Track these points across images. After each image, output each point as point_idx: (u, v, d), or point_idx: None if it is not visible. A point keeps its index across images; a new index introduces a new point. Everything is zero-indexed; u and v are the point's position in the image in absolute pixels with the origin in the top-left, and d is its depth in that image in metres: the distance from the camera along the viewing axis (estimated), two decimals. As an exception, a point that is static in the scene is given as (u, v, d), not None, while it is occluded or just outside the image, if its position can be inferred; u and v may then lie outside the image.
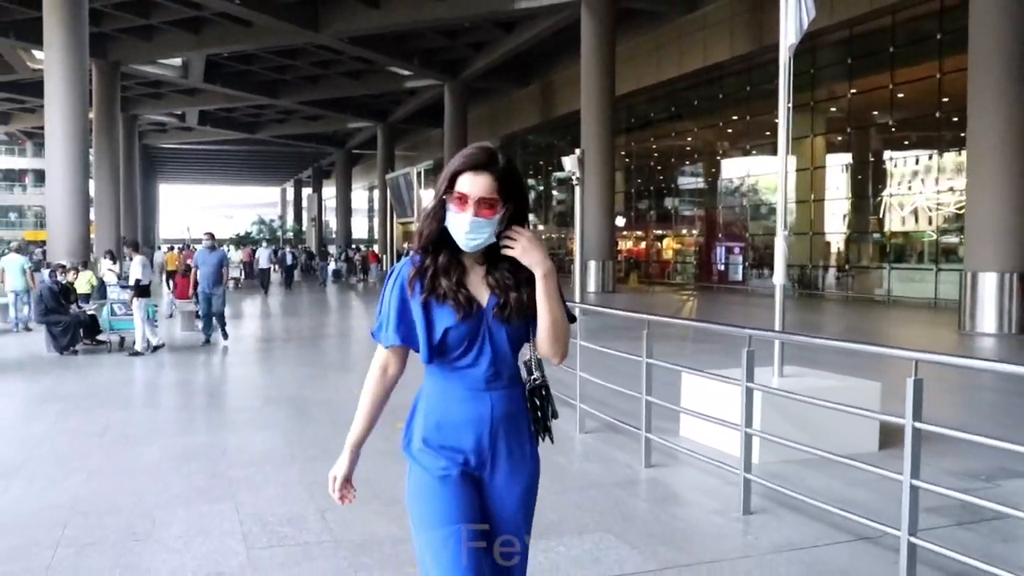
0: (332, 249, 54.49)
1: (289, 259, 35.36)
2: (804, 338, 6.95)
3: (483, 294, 2.37)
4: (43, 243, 51.15)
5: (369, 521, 5.00)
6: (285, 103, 49.66)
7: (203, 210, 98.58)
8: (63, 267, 14.09)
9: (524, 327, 2.38)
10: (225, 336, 14.14)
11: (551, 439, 2.48)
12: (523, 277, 2.34)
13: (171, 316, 18.59)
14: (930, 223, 24.15)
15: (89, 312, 13.53)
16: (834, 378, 7.11)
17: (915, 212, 24.74)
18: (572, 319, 2.47)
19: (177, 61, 41.71)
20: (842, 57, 26.40)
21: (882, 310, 22.68)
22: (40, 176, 78.60)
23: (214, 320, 14.05)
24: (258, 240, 59.36)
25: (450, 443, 2.36)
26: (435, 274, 2.33)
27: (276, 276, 34.63)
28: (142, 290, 12.78)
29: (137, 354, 12.41)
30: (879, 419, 6.32)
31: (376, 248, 49.92)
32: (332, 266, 40.92)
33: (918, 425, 3.92)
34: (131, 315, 12.97)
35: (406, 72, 42.40)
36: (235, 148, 71.67)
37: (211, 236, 14.51)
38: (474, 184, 2.28)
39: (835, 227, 28.36)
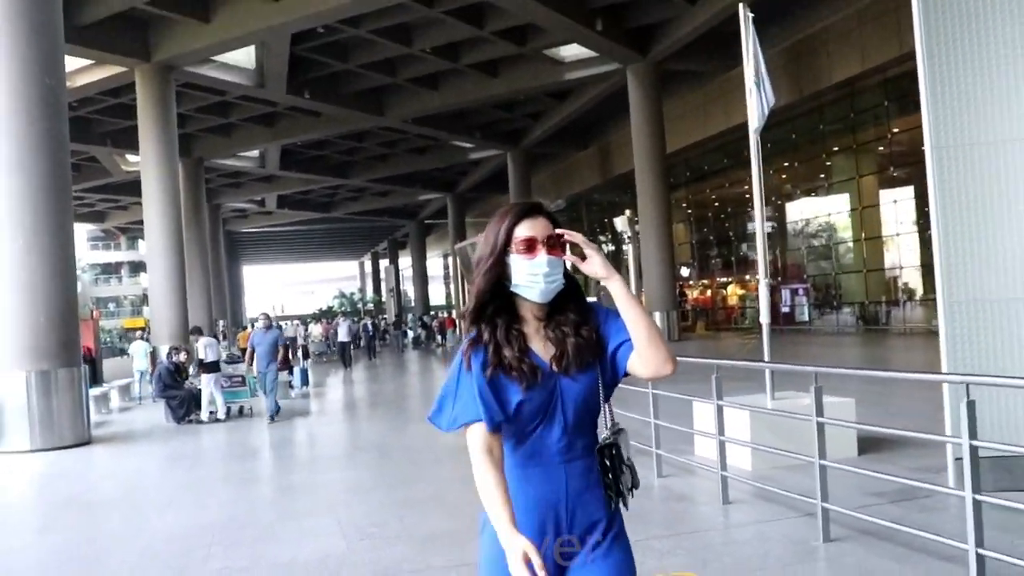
0: (408, 317, 56.66)
1: (370, 329, 36.73)
2: (786, 366, 8.34)
3: (547, 356, 2.25)
4: (142, 329, 54.62)
5: (434, 521, 6.59)
6: (356, 182, 52.41)
7: (286, 287, 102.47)
8: (177, 349, 16.07)
9: (593, 379, 2.23)
10: (276, 411, 14.05)
11: (625, 506, 2.29)
12: (579, 321, 2.25)
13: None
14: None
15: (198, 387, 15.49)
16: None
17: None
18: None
19: (254, 152, 44.75)
20: (879, 100, 27.66)
21: (926, 340, 23.52)
22: (134, 267, 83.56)
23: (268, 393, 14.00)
24: (337, 313, 61.90)
25: (524, 528, 2.13)
26: (497, 346, 2.22)
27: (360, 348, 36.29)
28: (208, 367, 14.67)
29: (217, 421, 14.31)
30: (855, 428, 7.63)
31: (453, 314, 51.96)
32: (411, 334, 42.99)
33: (974, 443, 4.47)
34: (234, 388, 14.95)
35: (469, 145, 44.70)
36: (312, 227, 75.03)
37: (267, 316, 14.96)
38: (535, 227, 2.22)
39: (888, 263, 29.28)
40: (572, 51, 31.25)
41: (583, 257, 2.19)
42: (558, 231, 2.22)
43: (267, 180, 51.71)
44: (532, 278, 2.19)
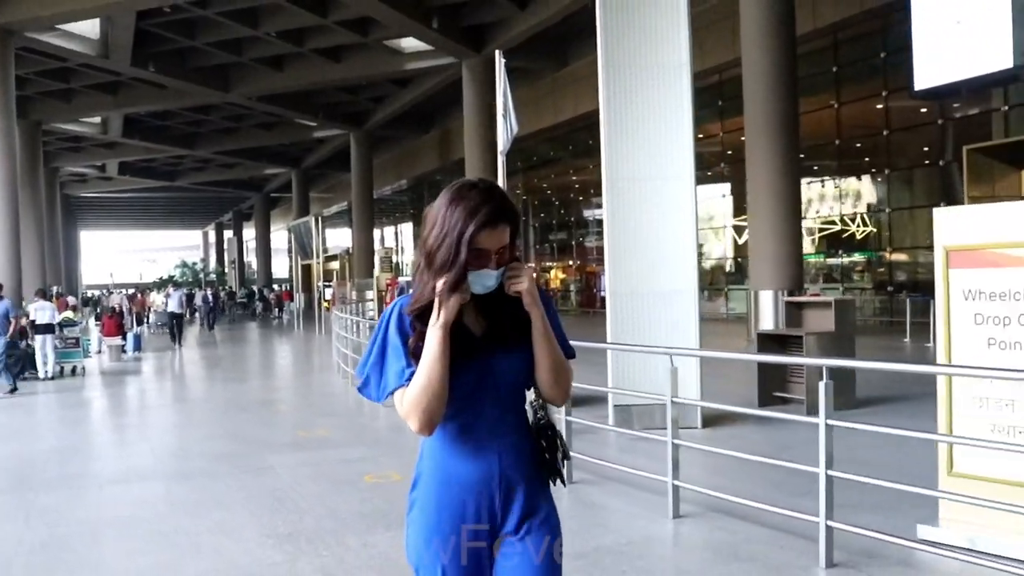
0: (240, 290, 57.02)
1: (210, 300, 36.21)
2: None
3: (479, 328, 2.20)
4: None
5: (221, 445, 8.55)
6: (202, 153, 52.56)
7: (126, 254, 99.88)
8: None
9: (526, 356, 2.20)
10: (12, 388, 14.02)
11: (563, 482, 2.31)
12: (515, 298, 2.16)
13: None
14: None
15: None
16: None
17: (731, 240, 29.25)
18: (571, 355, 2.31)
19: (96, 119, 44.50)
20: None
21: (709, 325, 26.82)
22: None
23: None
24: (180, 283, 61.68)
25: (457, 509, 2.17)
26: (426, 326, 2.10)
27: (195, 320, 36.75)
28: (41, 328, 15.93)
29: (49, 379, 15.61)
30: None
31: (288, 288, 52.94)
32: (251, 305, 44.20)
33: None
34: (67, 349, 16.32)
35: (313, 124, 45.85)
36: (155, 195, 73.88)
37: None
38: (492, 238, 2.09)
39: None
40: (411, 43, 32.99)
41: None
42: (508, 250, 2.12)
43: (109, 146, 51.15)
44: (476, 286, 2.10)
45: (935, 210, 5.10)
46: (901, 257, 24.33)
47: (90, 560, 5.37)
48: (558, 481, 2.31)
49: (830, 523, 4.60)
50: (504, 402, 2.21)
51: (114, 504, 6.79)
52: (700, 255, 30.47)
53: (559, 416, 6.36)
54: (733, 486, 5.89)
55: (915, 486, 4.75)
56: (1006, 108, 20.30)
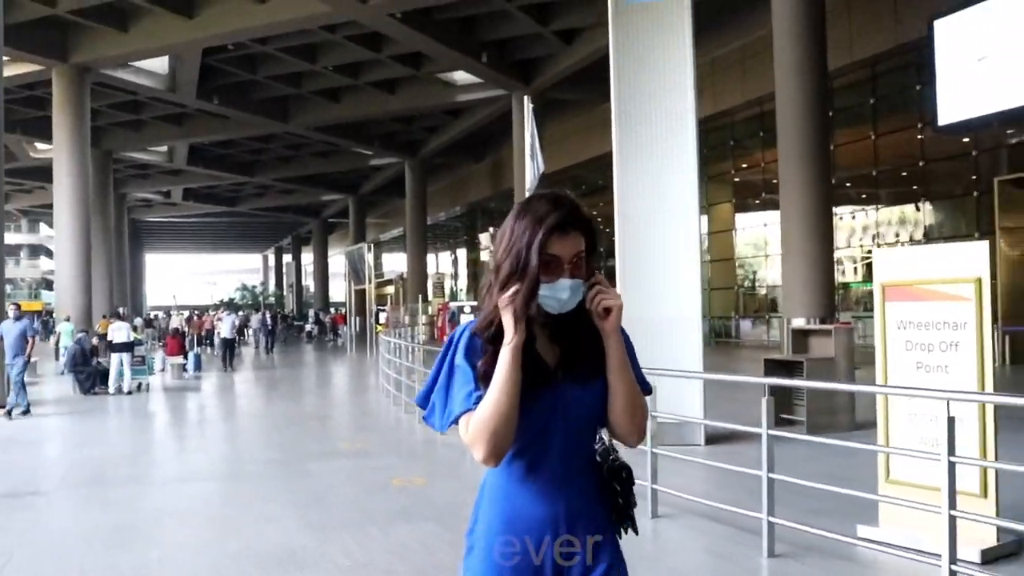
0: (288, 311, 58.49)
1: (268, 323, 36.01)
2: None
3: (552, 358, 2.02)
4: (40, 312, 55.43)
5: (273, 452, 9.55)
6: (262, 180, 54.49)
7: (189, 276, 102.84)
8: (87, 332, 18.53)
9: (601, 391, 2.01)
10: (11, 410, 13.67)
11: (635, 531, 2.12)
12: (592, 328, 2.00)
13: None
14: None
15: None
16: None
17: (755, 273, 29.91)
18: (648, 390, 2.13)
19: (163, 148, 46.58)
20: (726, 139, 31.54)
21: (733, 349, 27.40)
22: (33, 250, 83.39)
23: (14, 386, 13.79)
24: (240, 306, 63.44)
25: (518, 552, 2.00)
26: (498, 350, 1.94)
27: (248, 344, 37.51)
28: (119, 347, 17.05)
29: (123, 393, 16.73)
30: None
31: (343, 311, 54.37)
32: (307, 327, 45.56)
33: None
34: (135, 366, 17.58)
35: (369, 152, 47.38)
36: (217, 220, 76.40)
37: (17, 307, 14.89)
38: (564, 245, 1.96)
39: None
40: (463, 76, 34.31)
41: (607, 311, 1.97)
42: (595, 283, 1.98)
43: (174, 173, 53.35)
44: (549, 300, 1.95)
45: (874, 250, 5.88)
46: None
47: (153, 539, 6.39)
48: (629, 530, 2.13)
49: (771, 519, 5.39)
50: (576, 439, 2.04)
51: (174, 498, 7.79)
52: (750, 282, 31.31)
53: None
54: (717, 493, 6.67)
55: (858, 491, 5.50)
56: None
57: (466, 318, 33.80)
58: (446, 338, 2.11)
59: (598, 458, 2.09)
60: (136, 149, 44.54)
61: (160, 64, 32.63)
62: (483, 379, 1.96)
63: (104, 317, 28.90)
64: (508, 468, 2.02)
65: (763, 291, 31.55)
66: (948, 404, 4.52)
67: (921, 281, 5.53)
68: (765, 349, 27.03)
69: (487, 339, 1.98)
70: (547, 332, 2.03)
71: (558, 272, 1.95)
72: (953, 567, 4.40)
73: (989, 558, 5.06)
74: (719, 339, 32.02)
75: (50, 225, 40.42)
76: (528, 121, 11.20)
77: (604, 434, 2.11)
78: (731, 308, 32.61)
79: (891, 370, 5.70)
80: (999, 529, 5.19)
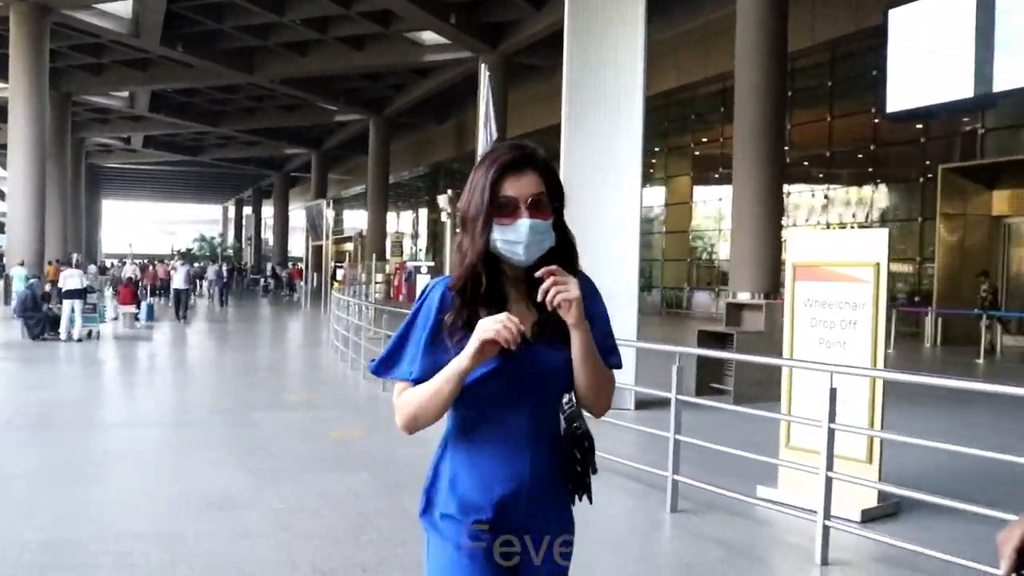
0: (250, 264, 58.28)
1: (224, 275, 35.17)
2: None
3: (528, 322, 1.95)
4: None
5: (210, 400, 9.84)
6: (225, 130, 54.02)
7: (146, 225, 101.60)
8: (38, 278, 18.56)
9: (570, 356, 1.96)
10: None
11: (590, 499, 2.08)
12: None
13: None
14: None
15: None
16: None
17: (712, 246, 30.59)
18: (618, 365, 2.08)
19: (124, 93, 45.98)
20: (687, 113, 31.94)
21: (684, 320, 28.02)
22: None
23: None
24: (197, 257, 63.01)
25: (478, 510, 1.97)
26: (475, 311, 1.94)
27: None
28: (71, 294, 17.16)
29: (73, 340, 16.85)
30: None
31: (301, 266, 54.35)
32: (263, 280, 45.60)
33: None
34: (86, 314, 17.65)
35: (334, 108, 47.17)
36: (178, 169, 75.53)
37: None
38: (520, 184, 1.94)
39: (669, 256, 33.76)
40: (431, 36, 34.26)
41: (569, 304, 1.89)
42: (552, 275, 1.89)
43: (135, 119, 52.69)
44: (510, 245, 1.93)
45: (786, 231, 6.28)
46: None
47: (96, 479, 6.66)
48: (583, 498, 2.09)
49: (676, 477, 5.81)
50: (544, 401, 2.01)
51: (119, 442, 8.07)
52: (704, 255, 31.86)
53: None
54: (637, 455, 7.08)
55: (761, 456, 5.93)
56: (982, 131, 21.26)
57: (423, 279, 34.08)
58: (417, 294, 2.11)
59: (563, 422, 2.04)
60: (96, 93, 43.92)
61: (124, 8, 32.17)
62: (448, 329, 1.96)
63: (50, 263, 28.81)
64: (474, 426, 2.00)
65: (716, 264, 32.10)
66: (831, 376, 4.94)
67: (827, 263, 5.94)
68: (714, 321, 27.65)
69: (456, 292, 1.98)
70: (526, 292, 1.99)
71: (516, 214, 1.93)
72: (827, 523, 4.85)
73: (868, 518, 5.52)
74: (671, 309, 32.62)
75: (3, 166, 39.84)
76: (484, 88, 11.45)
77: (572, 398, 2.06)
78: (684, 279, 33.18)
79: (797, 344, 6.12)
80: (882, 493, 5.66)
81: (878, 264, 5.61)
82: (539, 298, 1.90)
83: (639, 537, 5.65)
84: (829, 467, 4.84)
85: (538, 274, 1.89)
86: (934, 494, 4.87)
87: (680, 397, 5.85)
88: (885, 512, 5.69)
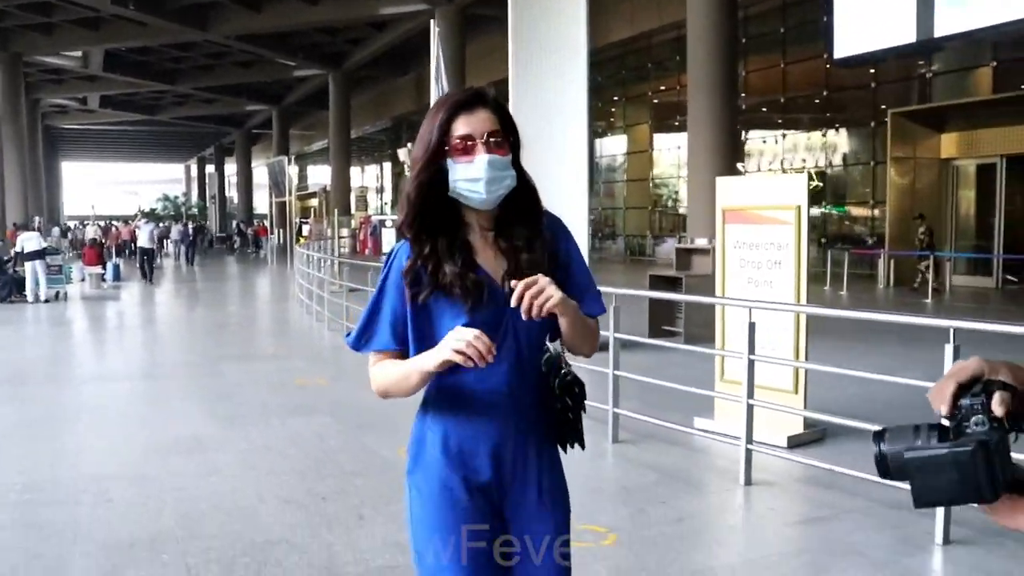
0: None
1: (190, 234, 35.67)
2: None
3: (497, 271, 1.93)
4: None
5: (177, 354, 10.16)
6: (182, 88, 53.37)
7: (108, 186, 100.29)
8: (2, 241, 18.63)
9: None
10: None
11: (582, 446, 2.01)
12: (531, 234, 1.95)
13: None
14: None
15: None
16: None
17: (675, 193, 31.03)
18: (601, 311, 2.07)
19: (77, 52, 45.25)
20: (644, 61, 32.18)
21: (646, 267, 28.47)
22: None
23: None
24: (162, 217, 62.55)
25: (462, 467, 1.93)
26: (438, 263, 1.89)
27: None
28: (31, 255, 17.18)
29: (40, 301, 16.98)
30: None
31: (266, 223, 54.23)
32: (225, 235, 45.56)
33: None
34: (52, 275, 17.80)
35: (292, 63, 46.76)
36: (137, 128, 74.45)
37: None
38: (474, 122, 1.90)
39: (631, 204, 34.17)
40: (387, -12, 34.14)
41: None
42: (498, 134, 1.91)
43: (90, 79, 51.86)
44: (470, 184, 1.87)
45: (717, 178, 6.68)
46: (839, 211, 25.95)
47: (68, 431, 7.01)
48: (576, 445, 2.02)
49: (615, 410, 6.25)
50: (527, 351, 1.94)
51: (89, 396, 8.42)
52: (665, 202, 32.27)
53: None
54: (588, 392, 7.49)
55: (698, 389, 6.38)
56: (930, 75, 21.74)
57: (389, 232, 34.26)
58: (382, 257, 2.10)
59: (543, 367, 1.92)
60: (48, 53, 43.16)
61: (72, -35, 31.70)
62: (410, 284, 1.92)
63: (9, 227, 28.65)
64: (455, 383, 1.93)
65: (677, 211, 32.54)
66: (750, 311, 5.37)
67: (753, 207, 6.35)
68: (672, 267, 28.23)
69: (412, 241, 1.94)
70: (491, 241, 1.97)
71: (473, 150, 1.88)
72: (750, 447, 5.31)
73: (794, 443, 6.00)
74: (633, 257, 33.08)
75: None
76: (434, 44, 11.68)
77: (552, 346, 1.94)
78: (645, 227, 33.62)
79: (728, 285, 6.55)
80: (808, 420, 6.13)
81: (799, 207, 6.03)
82: (516, 307, 1.82)
83: (582, 465, 6.08)
84: (750, 395, 5.28)
85: (514, 298, 1.81)
86: (856, 420, 5.24)
87: (622, 336, 6.26)
88: (812, 438, 6.16)
